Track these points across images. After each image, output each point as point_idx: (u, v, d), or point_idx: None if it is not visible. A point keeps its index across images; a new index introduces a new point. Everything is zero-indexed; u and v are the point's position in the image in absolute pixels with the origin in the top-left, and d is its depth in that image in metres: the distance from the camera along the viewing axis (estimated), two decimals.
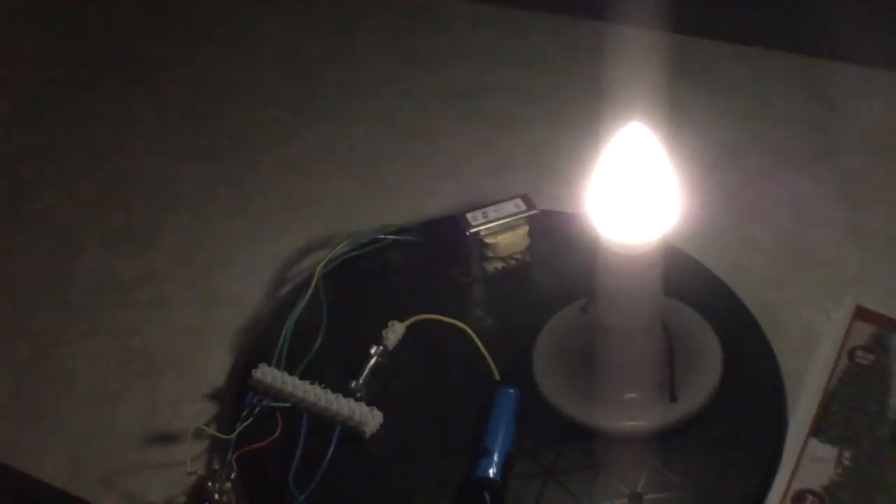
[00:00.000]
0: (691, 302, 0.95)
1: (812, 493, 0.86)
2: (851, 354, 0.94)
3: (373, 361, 0.93)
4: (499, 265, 0.99)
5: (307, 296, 0.97)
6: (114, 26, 1.38)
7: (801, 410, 0.90)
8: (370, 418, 0.89)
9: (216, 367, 0.97)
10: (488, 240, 0.97)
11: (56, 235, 1.09)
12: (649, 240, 0.81)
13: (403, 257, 1.02)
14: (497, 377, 0.91)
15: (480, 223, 0.97)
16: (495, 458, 0.85)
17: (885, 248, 1.02)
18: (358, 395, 0.90)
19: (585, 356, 0.90)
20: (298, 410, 0.90)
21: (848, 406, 0.90)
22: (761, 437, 0.88)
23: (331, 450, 0.87)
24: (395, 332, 0.94)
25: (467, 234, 0.97)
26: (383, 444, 0.89)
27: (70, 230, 1.11)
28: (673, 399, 0.89)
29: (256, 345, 0.97)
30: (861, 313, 0.96)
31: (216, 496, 0.85)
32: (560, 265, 0.99)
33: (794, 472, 0.87)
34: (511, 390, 0.89)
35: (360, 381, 0.91)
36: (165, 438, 0.92)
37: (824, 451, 0.88)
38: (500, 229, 0.98)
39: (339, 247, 1.01)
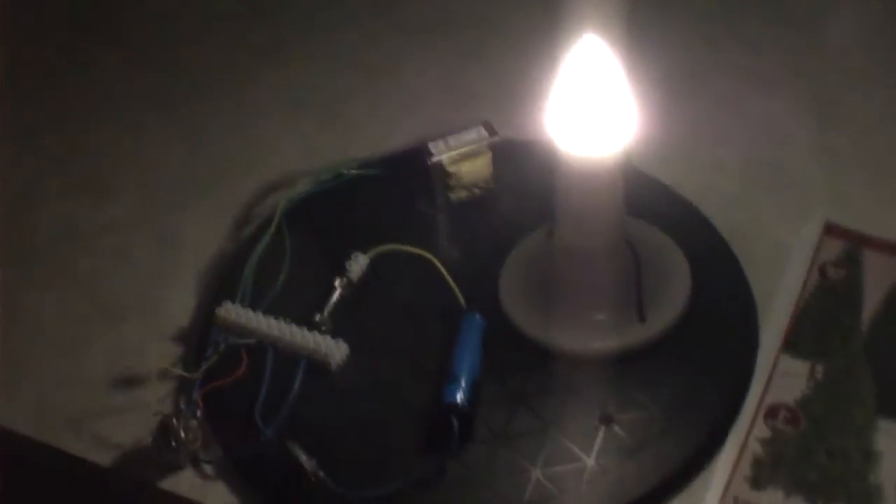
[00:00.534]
0: (658, 224, 0.94)
1: (785, 407, 0.85)
2: (822, 270, 0.93)
3: (337, 294, 0.91)
4: (463, 194, 0.98)
5: (269, 233, 0.96)
6: None
7: (773, 327, 0.90)
8: (335, 350, 0.88)
9: (180, 309, 0.96)
10: (451, 168, 0.96)
11: (16, 187, 1.08)
12: (608, 153, 0.80)
13: (367, 191, 1.00)
14: (463, 304, 0.90)
15: (442, 151, 0.96)
16: (462, 383, 0.84)
17: (854, 166, 1.01)
18: (323, 328, 0.89)
19: (552, 280, 0.90)
20: (263, 346, 0.89)
21: (820, 321, 0.90)
22: (732, 355, 0.88)
23: (297, 383, 0.86)
24: (358, 263, 0.93)
25: (429, 163, 0.96)
26: (350, 376, 0.88)
27: (30, 181, 1.09)
28: (642, 319, 0.88)
29: (220, 284, 0.96)
30: (831, 229, 0.95)
31: (182, 434, 0.84)
32: (525, 192, 0.97)
33: (766, 387, 0.86)
34: (477, 316, 0.88)
35: (325, 313, 0.90)
36: (131, 382, 0.91)
37: (796, 366, 0.87)
38: (462, 157, 0.96)
39: (300, 182, 1.00)
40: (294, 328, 0.89)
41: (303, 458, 0.81)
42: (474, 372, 0.85)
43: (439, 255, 0.93)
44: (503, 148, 0.98)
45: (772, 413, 0.85)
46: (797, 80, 1.09)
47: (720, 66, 1.12)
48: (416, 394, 0.86)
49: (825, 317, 0.90)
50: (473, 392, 0.84)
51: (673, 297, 0.89)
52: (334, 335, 0.89)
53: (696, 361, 0.87)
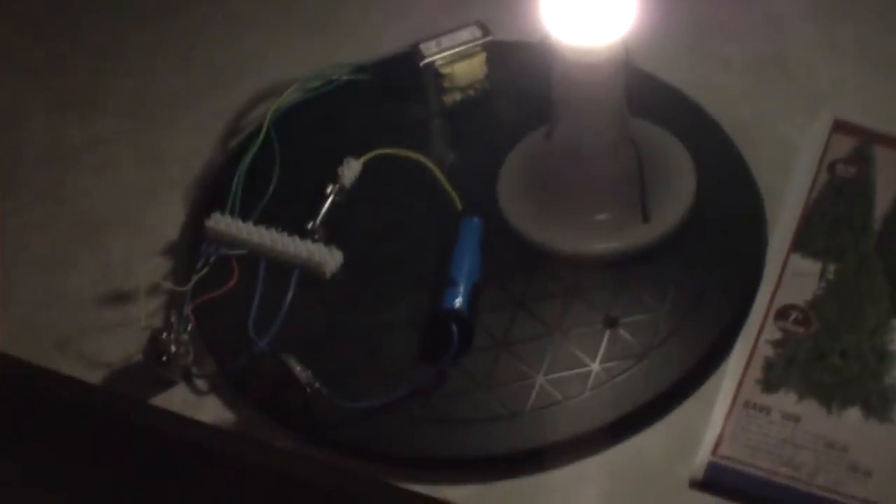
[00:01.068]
0: (661, 123, 0.91)
1: (796, 308, 0.82)
2: (832, 168, 0.90)
3: (329, 201, 0.89)
4: (457, 97, 0.95)
5: (258, 141, 0.93)
6: None
7: (782, 226, 0.87)
8: (329, 258, 0.85)
9: (168, 222, 0.93)
10: (444, 70, 0.93)
11: None
12: (607, 42, 0.77)
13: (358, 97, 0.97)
14: (459, 208, 0.87)
15: (434, 52, 0.93)
16: (461, 288, 0.81)
17: (861, 61, 0.98)
18: (316, 236, 0.87)
19: (552, 181, 0.87)
20: (255, 257, 0.87)
21: (830, 220, 0.87)
22: (740, 255, 0.85)
23: (290, 293, 0.84)
24: (351, 169, 0.90)
25: (421, 65, 0.93)
26: (345, 284, 0.86)
27: (12, 98, 1.05)
28: (645, 219, 0.85)
29: (209, 195, 0.93)
30: (839, 126, 0.92)
31: (173, 348, 0.81)
32: (521, 93, 0.94)
33: (776, 288, 0.84)
34: (475, 219, 0.85)
35: (317, 221, 0.88)
36: (119, 298, 0.89)
37: (807, 266, 0.85)
38: (455, 58, 0.93)
39: (289, 90, 0.96)
40: (286, 237, 0.86)
41: (297, 369, 0.78)
42: (473, 276, 0.82)
43: (434, 159, 0.90)
44: (497, 48, 0.94)
45: (782, 314, 0.82)
46: None
47: None
48: (413, 301, 0.84)
49: (836, 215, 0.87)
50: (473, 297, 0.81)
51: (677, 196, 0.87)
52: (327, 243, 0.86)
53: (703, 262, 0.84)
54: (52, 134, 1.02)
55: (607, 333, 0.81)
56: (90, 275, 0.91)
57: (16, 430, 0.85)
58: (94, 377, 0.84)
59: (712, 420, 0.78)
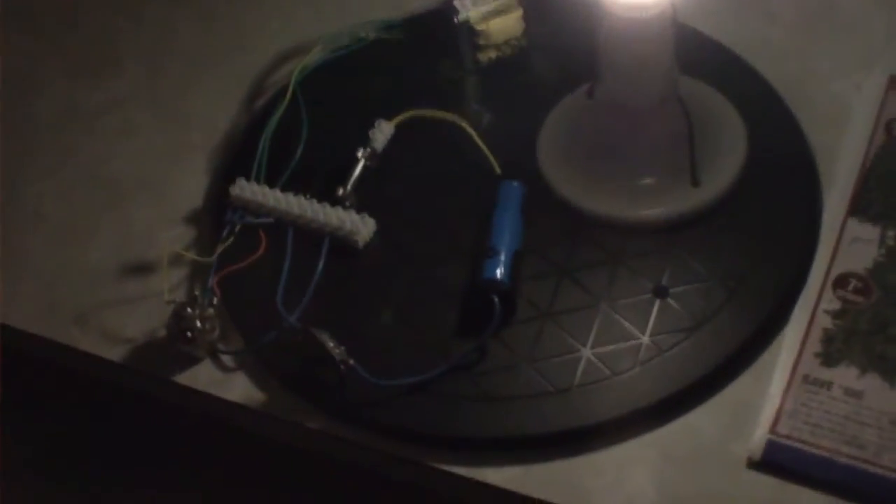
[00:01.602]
0: (706, 80, 0.86)
1: (855, 276, 0.78)
2: (889, 127, 0.85)
3: (360, 165, 0.84)
4: (493, 54, 0.91)
5: (284, 103, 0.88)
6: None
7: (837, 190, 0.83)
8: (362, 226, 0.81)
9: (191, 188, 0.89)
10: (479, 26, 0.89)
11: (13, 69, 1.00)
12: None
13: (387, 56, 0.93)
14: (498, 172, 0.83)
15: (468, 8, 0.88)
16: (502, 257, 0.77)
17: None
18: (347, 203, 0.83)
19: (596, 143, 0.82)
20: (282, 225, 0.83)
21: (889, 182, 0.82)
22: (795, 221, 0.81)
23: (321, 264, 0.80)
24: (382, 131, 0.85)
25: (456, 21, 0.88)
26: (379, 254, 0.82)
27: (28, 63, 1.02)
28: (695, 183, 0.81)
29: (233, 160, 0.89)
30: None
31: (198, 323, 0.77)
32: (560, 49, 0.90)
33: (833, 255, 0.79)
34: (515, 184, 0.81)
35: (349, 187, 0.83)
36: (141, 269, 0.85)
37: (866, 231, 0.80)
38: (491, 14, 0.89)
39: (315, 49, 0.92)
40: (315, 204, 0.82)
41: (330, 345, 0.74)
42: (515, 244, 0.78)
43: (470, 119, 0.86)
44: (534, 3, 0.90)
45: (841, 283, 0.78)
46: None
47: None
48: (451, 271, 0.80)
49: (894, 178, 0.82)
50: (514, 266, 0.77)
51: (728, 159, 0.82)
52: (359, 210, 0.82)
53: (756, 228, 0.80)
54: (68, 97, 0.98)
55: (657, 304, 0.77)
56: (110, 245, 0.88)
57: (35, 409, 0.81)
58: (115, 354, 0.81)
59: (769, 396, 0.74)
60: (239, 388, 0.78)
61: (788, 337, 0.76)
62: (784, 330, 0.76)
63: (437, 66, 0.91)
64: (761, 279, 0.77)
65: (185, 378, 0.78)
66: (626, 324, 0.76)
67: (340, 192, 0.83)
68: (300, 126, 0.87)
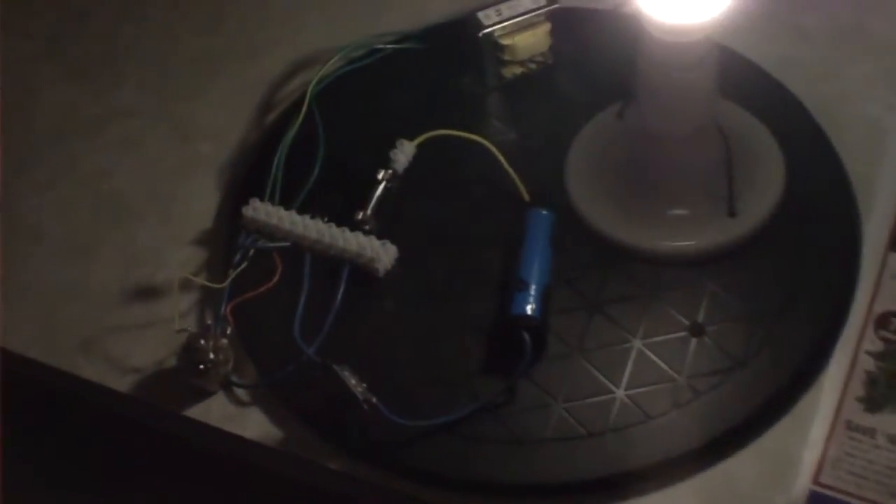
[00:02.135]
0: (741, 102, 0.83)
1: None
2: None
3: (381, 188, 0.81)
4: (517, 70, 0.87)
5: (299, 119, 0.85)
6: None
7: (877, 220, 0.79)
8: (383, 253, 0.77)
9: (200, 206, 0.86)
10: (504, 41, 0.85)
11: (9, 74, 0.96)
12: (706, 20, 0.68)
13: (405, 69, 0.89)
14: (526, 198, 0.79)
15: (494, 22, 0.85)
16: (532, 291, 0.73)
17: None
18: (367, 227, 0.79)
19: (627, 169, 0.79)
20: (299, 250, 0.79)
21: None
22: (834, 254, 0.77)
23: (340, 293, 0.76)
24: (404, 152, 0.82)
25: (479, 35, 0.85)
26: (400, 283, 0.78)
27: (24, 67, 0.98)
28: (732, 213, 0.77)
29: (245, 178, 0.86)
30: None
31: (211, 355, 0.73)
32: (588, 67, 0.87)
33: (875, 292, 0.76)
34: (544, 212, 0.77)
35: (369, 211, 0.80)
36: (149, 293, 0.82)
37: None
38: (517, 28, 0.85)
39: (332, 61, 0.89)
40: (334, 229, 0.79)
41: (352, 382, 0.70)
42: (545, 278, 0.74)
43: (494, 139, 0.82)
44: (562, 17, 0.86)
45: (883, 322, 0.74)
46: None
47: None
48: (476, 303, 0.76)
49: None
50: (545, 301, 0.73)
51: (764, 188, 0.79)
52: (380, 236, 0.79)
53: (793, 262, 0.76)
54: (68, 105, 0.95)
55: (693, 342, 0.73)
56: (115, 265, 0.84)
57: (35, 441, 0.78)
58: (122, 384, 0.77)
59: (810, 443, 0.70)
60: (254, 424, 0.74)
61: (829, 380, 0.73)
62: (824, 372, 0.73)
63: (459, 80, 0.88)
64: (800, 317, 0.74)
65: (196, 412, 0.75)
66: (661, 363, 0.73)
67: (360, 215, 0.79)
68: (316, 143, 0.84)
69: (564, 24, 0.87)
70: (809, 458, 0.70)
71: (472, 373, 0.73)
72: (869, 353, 0.73)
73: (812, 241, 0.77)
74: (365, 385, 0.71)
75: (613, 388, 0.72)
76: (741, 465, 0.70)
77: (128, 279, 0.82)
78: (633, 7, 0.70)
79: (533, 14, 0.85)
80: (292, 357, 0.74)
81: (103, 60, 0.97)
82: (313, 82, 0.87)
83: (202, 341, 0.73)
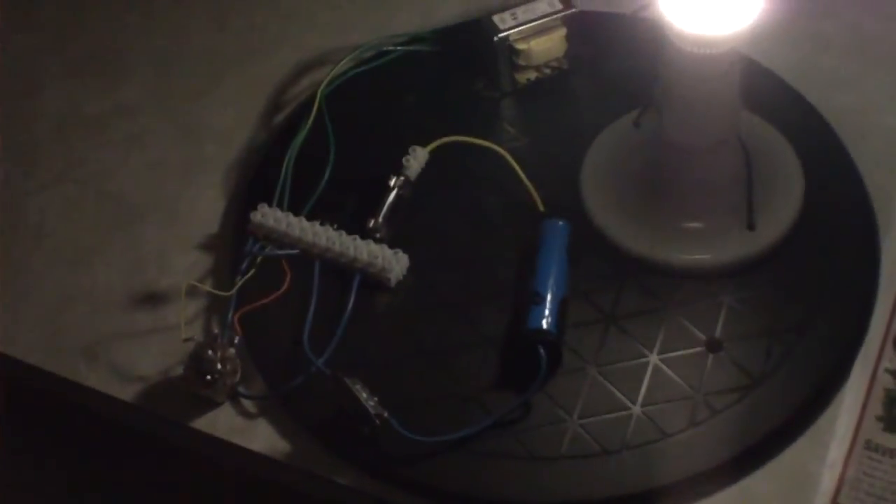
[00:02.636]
0: (759, 112, 0.82)
1: None
2: None
3: (393, 195, 0.79)
4: (532, 75, 0.86)
5: (309, 122, 0.84)
6: None
7: (895, 235, 0.77)
8: (394, 262, 0.76)
9: (207, 211, 0.84)
10: (519, 45, 0.84)
11: (11, 70, 0.95)
12: (733, 32, 0.67)
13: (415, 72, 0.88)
14: (541, 208, 0.78)
15: (509, 26, 0.83)
16: (548, 305, 0.72)
17: None
18: (378, 235, 0.78)
19: (644, 179, 0.78)
20: (308, 258, 0.78)
21: None
22: (852, 269, 0.76)
23: (350, 303, 0.75)
24: (417, 159, 0.80)
25: (494, 39, 0.84)
26: (412, 293, 0.77)
27: (27, 63, 0.96)
28: (751, 227, 0.76)
29: (253, 182, 0.84)
30: None
31: (218, 365, 0.72)
32: (604, 73, 0.86)
33: (893, 308, 0.75)
34: (560, 223, 0.76)
35: (380, 218, 0.79)
36: (154, 299, 0.80)
37: None
38: (532, 32, 0.84)
39: (342, 62, 0.87)
40: (344, 236, 0.77)
41: (363, 396, 0.69)
42: (561, 291, 0.73)
43: (508, 146, 0.81)
44: (579, 21, 0.85)
45: None
46: None
47: None
48: (490, 314, 0.75)
49: None
50: (560, 314, 0.72)
51: (784, 201, 0.78)
52: (392, 244, 0.77)
53: (812, 277, 0.75)
54: (72, 103, 0.93)
55: (710, 358, 0.72)
56: (119, 268, 0.83)
57: (36, 450, 0.76)
58: (126, 393, 0.76)
59: (829, 462, 0.69)
60: (262, 437, 0.73)
61: (848, 398, 0.72)
62: (842, 390, 0.72)
63: (472, 84, 0.87)
64: (818, 333, 0.73)
65: (202, 423, 0.73)
66: (678, 379, 0.71)
67: (371, 223, 0.78)
68: (326, 146, 0.83)
69: (581, 29, 0.85)
70: (828, 478, 0.69)
71: (485, 387, 0.72)
72: (888, 370, 0.72)
73: (830, 255, 0.76)
74: (376, 399, 0.69)
75: (630, 404, 0.70)
76: (759, 485, 0.69)
77: (131, 284, 0.81)
78: (656, 16, 0.69)
79: (549, 18, 0.84)
80: (301, 368, 0.72)
81: (107, 55, 0.96)
82: (324, 84, 0.86)
83: (210, 351, 0.72)
